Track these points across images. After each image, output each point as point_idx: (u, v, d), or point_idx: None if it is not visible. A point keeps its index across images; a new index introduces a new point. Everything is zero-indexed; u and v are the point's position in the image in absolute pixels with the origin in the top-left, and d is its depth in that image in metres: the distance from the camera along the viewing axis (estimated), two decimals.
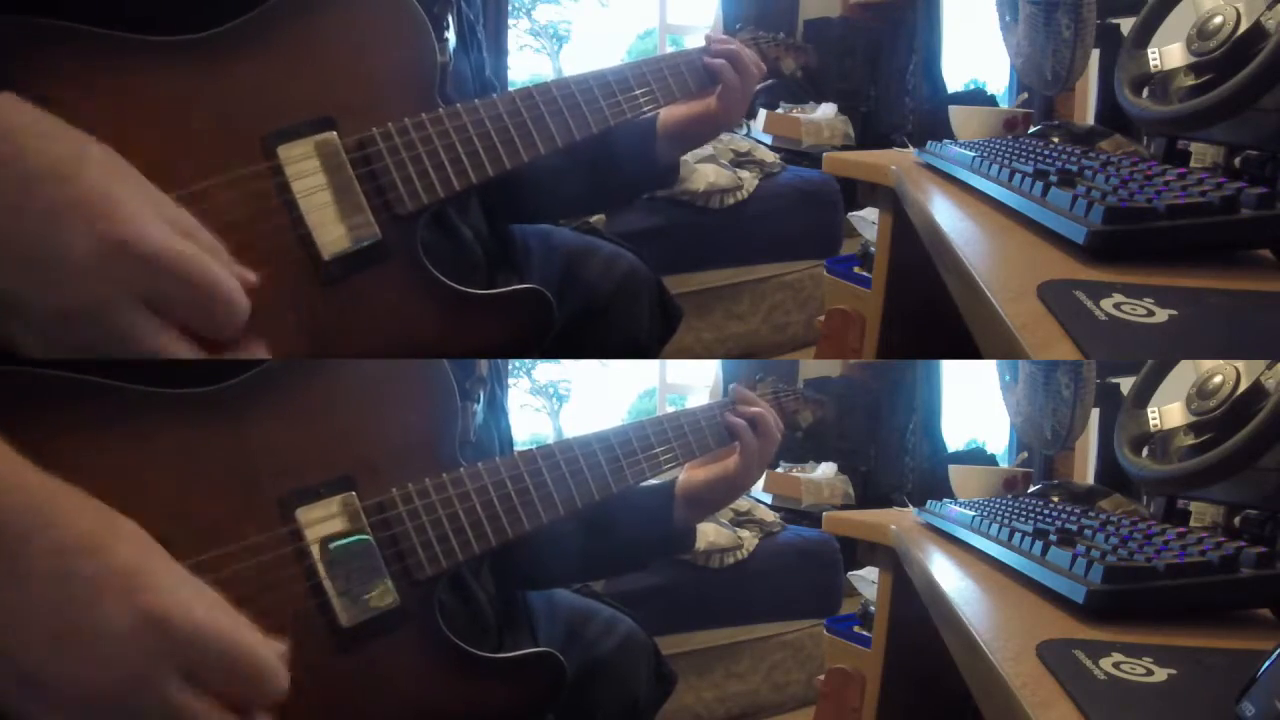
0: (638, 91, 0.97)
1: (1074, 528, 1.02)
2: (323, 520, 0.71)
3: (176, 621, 0.57)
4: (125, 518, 0.59)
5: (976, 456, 2.64)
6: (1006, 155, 1.13)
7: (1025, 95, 1.93)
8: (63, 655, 0.54)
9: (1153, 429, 1.12)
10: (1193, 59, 1.08)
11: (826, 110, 2.65)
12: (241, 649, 0.59)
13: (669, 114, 1.14)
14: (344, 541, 0.72)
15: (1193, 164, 1.17)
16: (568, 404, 2.87)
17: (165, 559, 0.59)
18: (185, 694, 0.57)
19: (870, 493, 2.79)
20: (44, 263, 0.57)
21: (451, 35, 0.96)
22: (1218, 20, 1.04)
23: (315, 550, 0.71)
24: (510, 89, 0.86)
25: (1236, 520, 1.08)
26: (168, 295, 0.61)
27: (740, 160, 2.44)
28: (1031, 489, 1.80)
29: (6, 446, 0.57)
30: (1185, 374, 1.11)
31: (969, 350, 0.85)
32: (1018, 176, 1.00)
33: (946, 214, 1.07)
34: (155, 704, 0.56)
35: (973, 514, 1.22)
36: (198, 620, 0.58)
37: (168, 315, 0.62)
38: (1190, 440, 1.06)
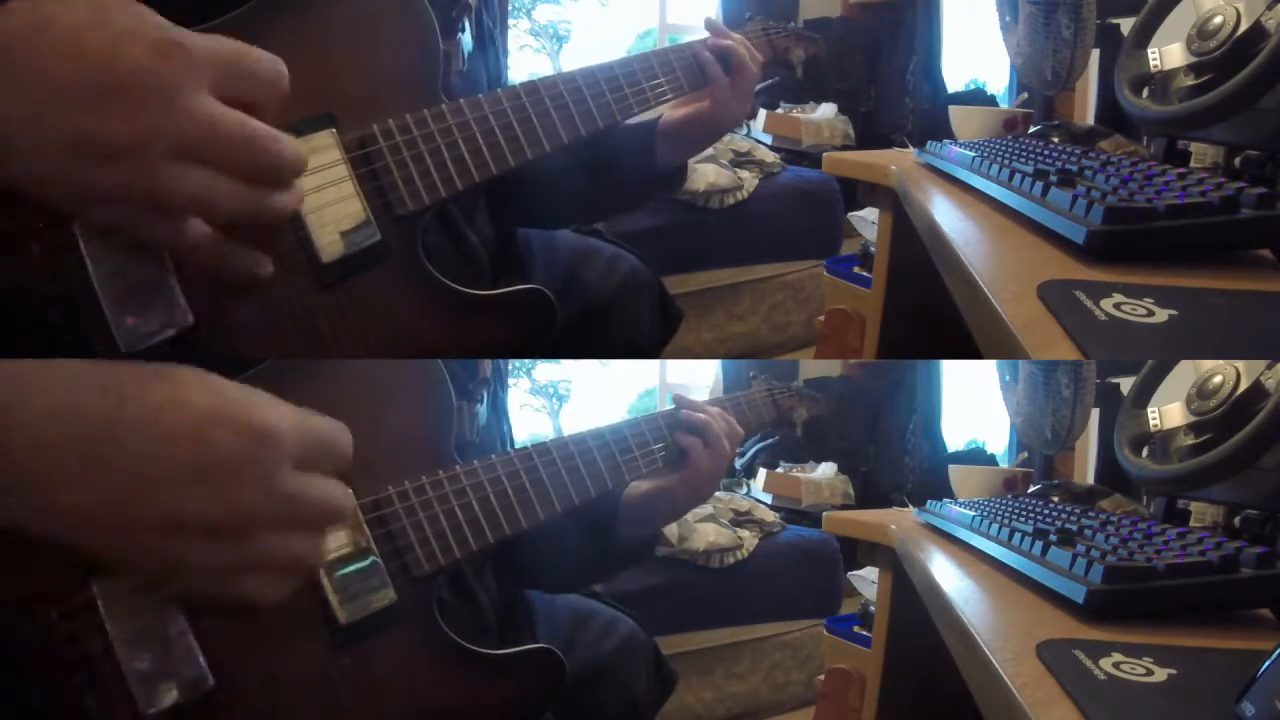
0: (645, 85, 0.96)
1: (1074, 528, 1.02)
2: None
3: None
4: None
5: (976, 456, 2.64)
6: (1006, 155, 1.13)
7: (1025, 95, 1.93)
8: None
9: (1153, 429, 1.12)
10: (1193, 59, 1.08)
11: (826, 110, 2.65)
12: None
13: (669, 116, 1.12)
14: (352, 568, 0.72)
15: (1193, 164, 1.17)
16: (568, 404, 2.87)
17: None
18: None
19: (870, 493, 2.79)
20: (112, 88, 0.58)
21: (468, 39, 0.95)
22: (1218, 20, 1.05)
23: None
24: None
25: (1236, 520, 1.08)
26: (230, 86, 0.62)
27: (740, 160, 2.44)
28: (1031, 489, 1.80)
29: None
30: (1185, 374, 1.11)
31: (969, 350, 0.85)
32: (1018, 176, 1.00)
33: (946, 214, 1.07)
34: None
35: (973, 514, 1.22)
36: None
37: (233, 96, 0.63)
38: (1190, 440, 1.06)
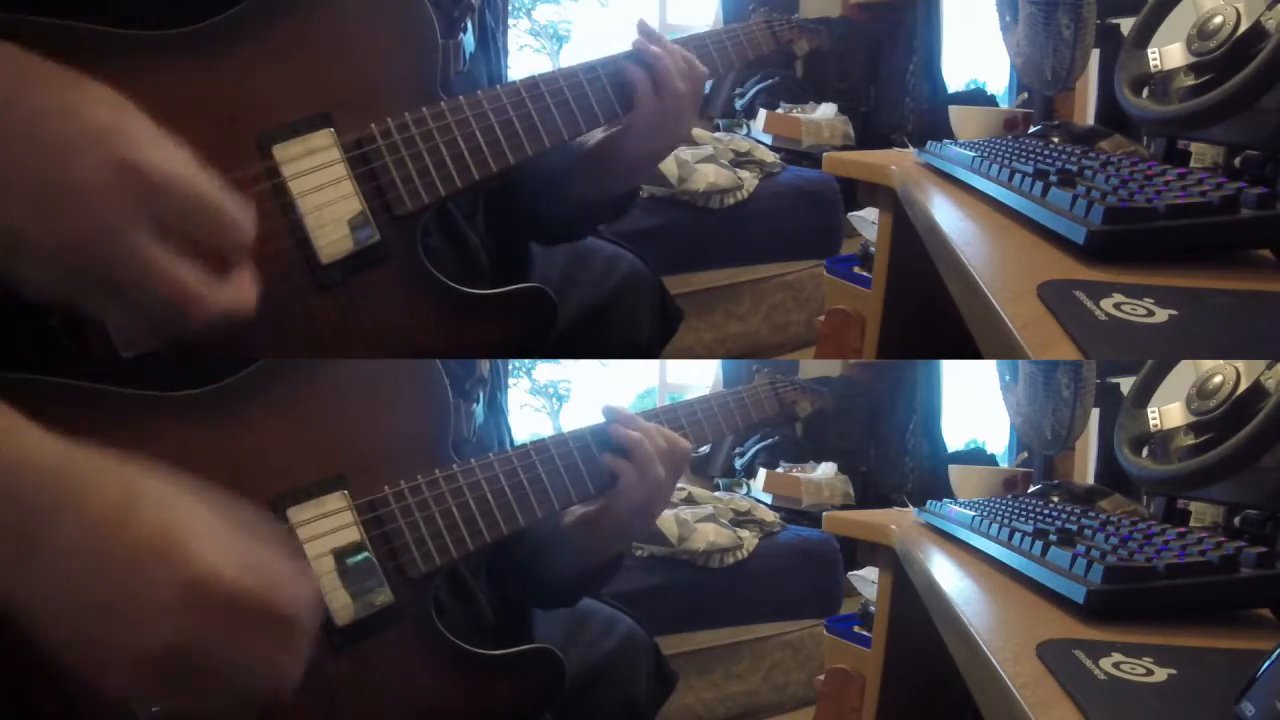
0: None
1: (1074, 528, 1.02)
2: (315, 520, 0.71)
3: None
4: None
5: (976, 456, 2.64)
6: (1006, 155, 1.13)
7: (1025, 95, 1.93)
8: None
9: (1153, 429, 1.12)
10: (1193, 59, 1.08)
11: (826, 110, 2.65)
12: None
13: (588, 143, 0.99)
14: (349, 570, 0.72)
15: (1193, 164, 1.17)
16: (568, 404, 2.87)
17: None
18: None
19: (870, 493, 2.79)
20: (55, 192, 0.57)
21: (470, 39, 0.95)
22: (1218, 20, 1.04)
23: (308, 550, 0.71)
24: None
25: (1236, 520, 1.08)
26: (179, 217, 0.61)
27: (740, 160, 2.44)
28: (1031, 489, 1.80)
29: None
30: (1185, 374, 1.11)
31: (969, 350, 0.85)
32: (1018, 176, 1.00)
33: (946, 214, 1.07)
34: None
35: (973, 514, 1.22)
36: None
37: (177, 239, 0.61)
38: (1190, 440, 1.06)
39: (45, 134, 0.57)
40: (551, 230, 1.11)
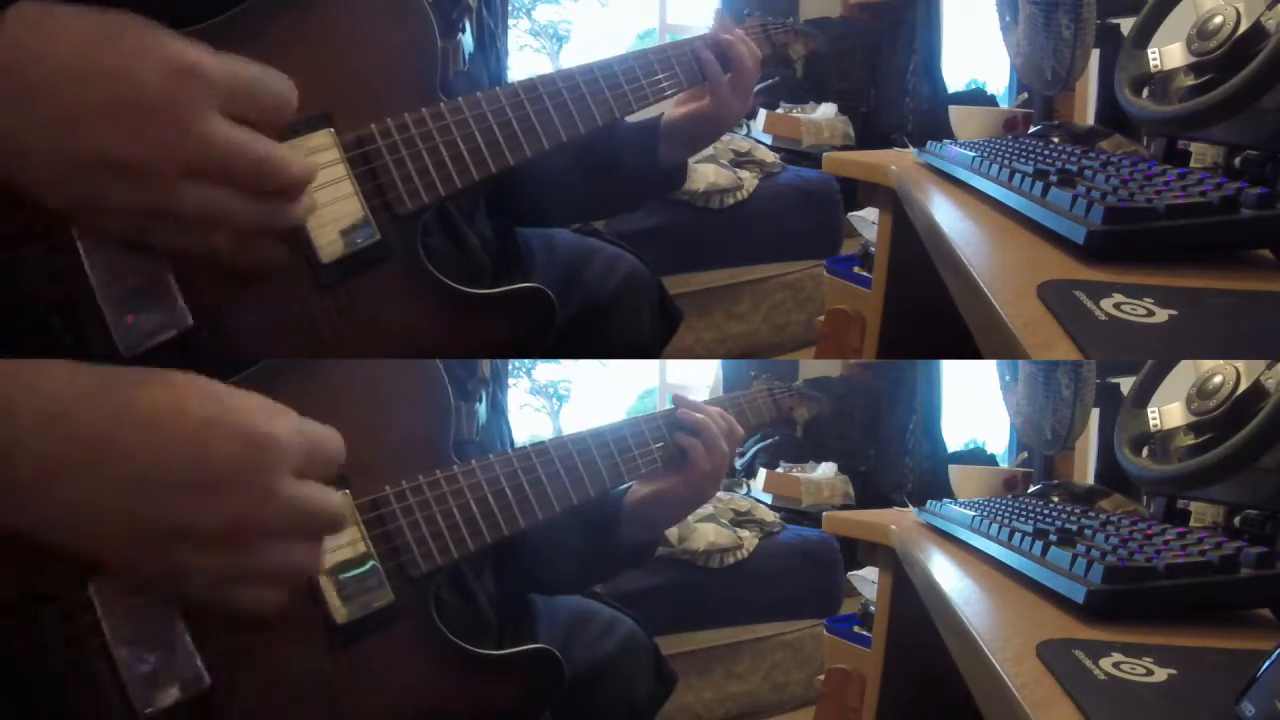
0: (644, 82, 0.96)
1: (1074, 528, 1.02)
2: None
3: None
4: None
5: (976, 456, 2.64)
6: (1006, 155, 1.13)
7: (1025, 95, 1.93)
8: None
9: (1153, 429, 1.12)
10: (1193, 59, 1.08)
11: (826, 110, 2.65)
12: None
13: (671, 114, 1.12)
14: (350, 569, 0.72)
15: (1193, 164, 1.17)
16: (568, 404, 2.87)
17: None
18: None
19: (870, 493, 2.79)
20: (129, 110, 0.59)
21: (469, 39, 0.95)
22: (1218, 20, 1.04)
23: None
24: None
25: (1236, 520, 1.08)
26: (242, 101, 0.64)
27: (740, 160, 2.44)
28: (1031, 489, 1.80)
29: None
30: (1185, 374, 1.11)
31: (969, 350, 0.85)
32: (1018, 176, 1.00)
33: (946, 214, 1.07)
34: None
35: (973, 514, 1.22)
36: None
37: (244, 121, 0.64)
38: (1190, 440, 1.06)
39: (102, 61, 0.59)
40: (619, 199, 1.27)
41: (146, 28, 0.61)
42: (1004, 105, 2.14)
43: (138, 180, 0.60)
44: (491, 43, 1.03)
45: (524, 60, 2.69)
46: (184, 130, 0.60)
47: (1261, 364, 0.99)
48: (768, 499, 2.69)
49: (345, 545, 0.72)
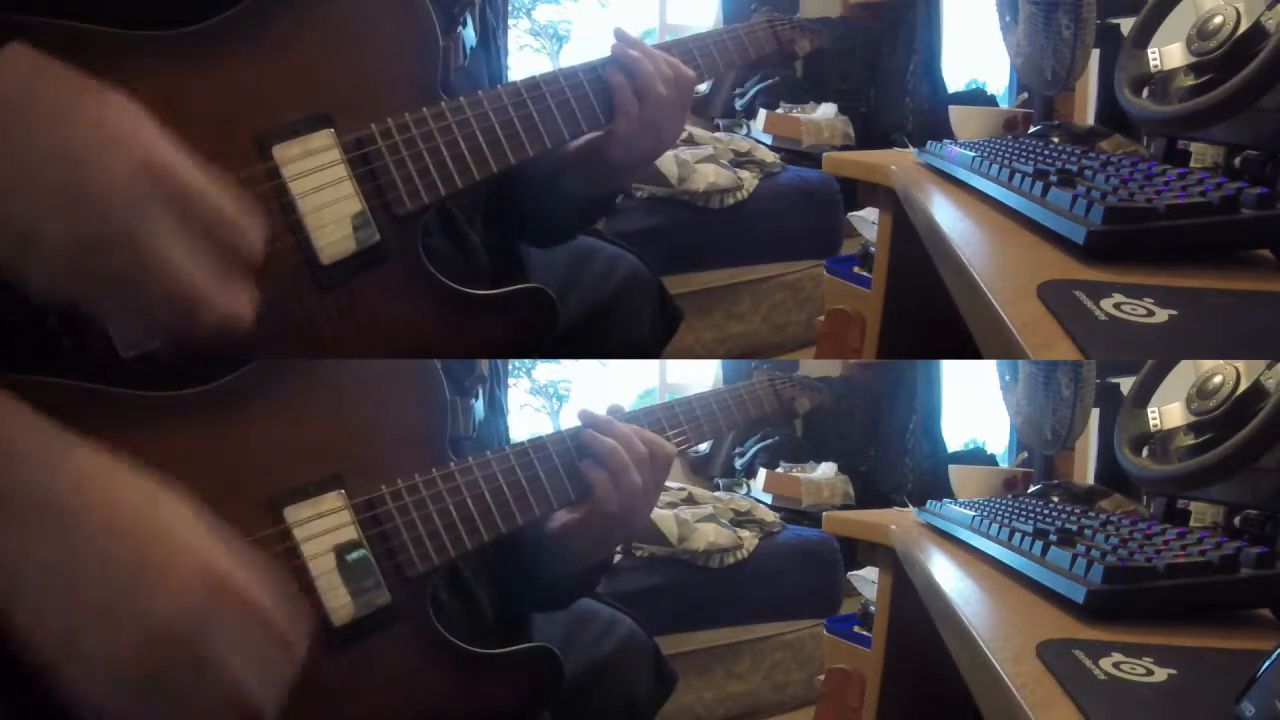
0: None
1: (1074, 528, 1.02)
2: (312, 519, 0.71)
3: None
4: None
5: (976, 456, 2.65)
6: (1006, 155, 1.13)
7: (1025, 95, 1.93)
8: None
9: (1153, 429, 1.12)
10: (1193, 59, 1.08)
11: (826, 110, 2.65)
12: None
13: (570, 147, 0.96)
14: (347, 569, 0.72)
15: (1193, 164, 1.17)
16: (568, 404, 2.87)
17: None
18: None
19: (870, 493, 2.79)
20: (76, 195, 0.58)
21: (470, 33, 0.94)
22: (1218, 20, 1.04)
23: (305, 550, 0.71)
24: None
25: (1236, 520, 1.08)
26: (196, 223, 0.62)
27: (740, 160, 2.44)
28: (1031, 489, 1.79)
29: None
30: (1185, 374, 1.11)
31: (969, 350, 0.85)
32: (1018, 176, 1.00)
33: (946, 214, 1.07)
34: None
35: (973, 514, 1.22)
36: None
37: (190, 244, 0.62)
38: (1190, 440, 1.06)
39: (66, 137, 0.58)
40: (544, 228, 1.09)
41: (132, 117, 0.60)
42: (1004, 105, 2.14)
43: (69, 261, 0.58)
44: (493, 41, 1.03)
45: (524, 60, 2.69)
46: (124, 234, 0.59)
47: (1261, 364, 0.99)
48: (768, 499, 2.69)
49: (342, 544, 0.72)
